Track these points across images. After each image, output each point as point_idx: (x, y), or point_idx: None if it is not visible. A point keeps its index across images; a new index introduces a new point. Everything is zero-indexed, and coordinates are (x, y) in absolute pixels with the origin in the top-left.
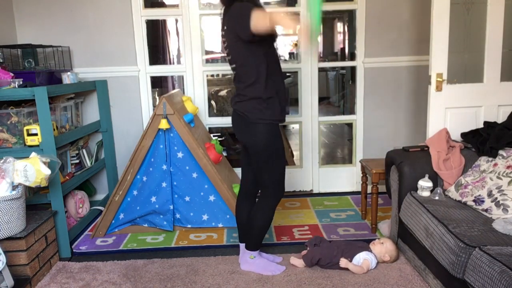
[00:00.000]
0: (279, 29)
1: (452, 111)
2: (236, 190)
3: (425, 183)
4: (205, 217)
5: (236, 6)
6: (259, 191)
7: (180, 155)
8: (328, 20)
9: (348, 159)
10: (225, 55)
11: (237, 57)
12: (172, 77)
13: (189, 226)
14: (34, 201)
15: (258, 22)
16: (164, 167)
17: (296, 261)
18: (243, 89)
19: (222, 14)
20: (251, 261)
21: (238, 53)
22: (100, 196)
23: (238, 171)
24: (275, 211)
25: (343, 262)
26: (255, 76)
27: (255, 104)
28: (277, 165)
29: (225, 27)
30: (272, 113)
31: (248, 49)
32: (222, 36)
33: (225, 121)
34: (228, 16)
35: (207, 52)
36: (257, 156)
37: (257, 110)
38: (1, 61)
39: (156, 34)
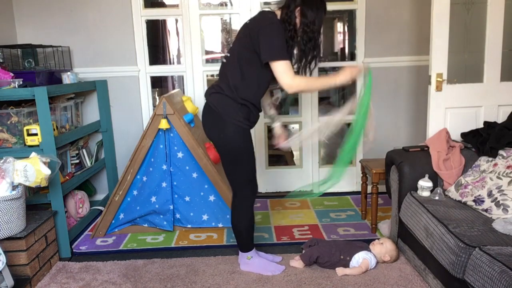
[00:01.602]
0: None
1: (452, 111)
2: None
3: (425, 183)
4: (205, 217)
5: (268, 18)
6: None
7: (180, 155)
8: (328, 20)
9: None
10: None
11: (236, 54)
12: (172, 77)
13: (189, 226)
14: (34, 201)
15: (284, 77)
16: (164, 167)
17: (296, 262)
18: (223, 84)
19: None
20: (250, 262)
21: (239, 52)
22: (100, 196)
23: None
24: (253, 209)
25: (340, 271)
26: (240, 81)
27: (230, 102)
28: (246, 166)
29: (248, 22)
30: (244, 117)
31: (250, 58)
32: (245, 24)
33: None
34: (259, 18)
35: (207, 52)
36: (225, 155)
37: (231, 108)
38: (1, 61)
39: (156, 34)
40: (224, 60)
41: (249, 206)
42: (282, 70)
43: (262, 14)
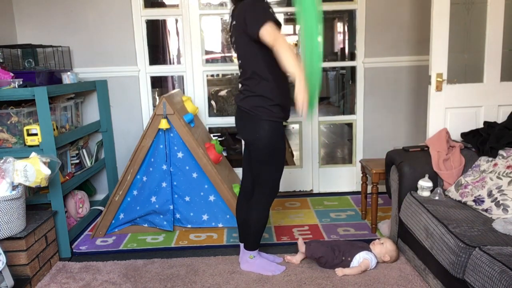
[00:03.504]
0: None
1: (452, 111)
2: (236, 190)
3: (425, 183)
4: (205, 217)
5: (248, 2)
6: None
7: (180, 155)
8: (328, 20)
9: (348, 159)
10: (233, 50)
11: (244, 53)
12: (172, 77)
13: (189, 226)
14: (34, 201)
15: (268, 39)
16: (164, 167)
17: (290, 256)
18: (249, 85)
19: (231, 11)
20: (251, 261)
21: (245, 49)
22: (100, 196)
23: (238, 171)
24: (269, 210)
25: (340, 272)
26: (261, 72)
27: (261, 102)
28: (277, 164)
29: (234, 22)
30: (278, 111)
31: (256, 45)
32: (230, 31)
33: (225, 121)
34: (238, 11)
35: (207, 52)
36: (259, 153)
37: (263, 107)
38: (1, 61)
39: (156, 34)
40: (240, 69)
41: (268, 205)
42: (267, 31)
43: (242, 3)
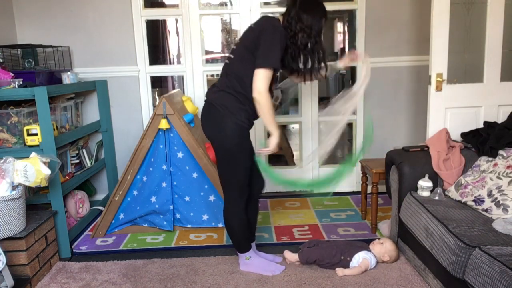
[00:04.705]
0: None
1: (452, 111)
2: None
3: (425, 183)
4: (205, 217)
5: (271, 25)
6: (224, 192)
7: (180, 155)
8: (328, 20)
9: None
10: (233, 44)
11: (241, 55)
12: (172, 77)
13: (189, 226)
14: (34, 201)
15: (257, 84)
16: (164, 167)
17: (289, 254)
18: (227, 82)
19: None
20: (249, 262)
21: (243, 54)
22: (100, 196)
23: None
24: (245, 211)
25: (340, 272)
26: (243, 83)
27: (233, 101)
28: (242, 164)
29: (253, 26)
30: (245, 116)
31: (253, 61)
32: (250, 28)
33: None
34: (263, 22)
35: (207, 52)
36: (221, 153)
37: (235, 107)
38: (1, 61)
39: (156, 34)
40: (227, 61)
41: (241, 206)
42: (263, 76)
43: (268, 19)
